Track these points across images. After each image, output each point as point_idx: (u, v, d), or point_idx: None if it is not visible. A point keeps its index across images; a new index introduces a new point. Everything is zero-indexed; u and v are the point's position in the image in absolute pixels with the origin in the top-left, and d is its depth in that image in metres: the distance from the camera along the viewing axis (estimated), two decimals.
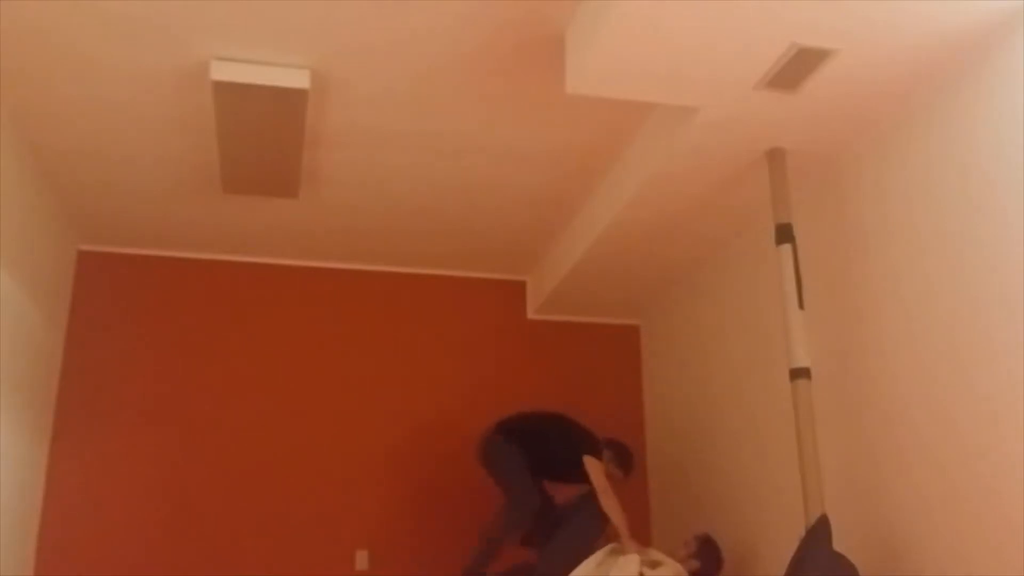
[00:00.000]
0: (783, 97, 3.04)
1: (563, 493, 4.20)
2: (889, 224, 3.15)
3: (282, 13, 2.99)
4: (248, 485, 4.61)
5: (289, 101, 3.31)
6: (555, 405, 5.02)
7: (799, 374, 3.11)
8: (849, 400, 3.30)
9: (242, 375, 4.78)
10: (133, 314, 4.73)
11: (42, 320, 4.23)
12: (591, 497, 3.97)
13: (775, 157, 3.38)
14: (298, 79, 3.24)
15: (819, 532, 2.90)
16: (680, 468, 4.69)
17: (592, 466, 3.97)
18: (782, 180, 3.36)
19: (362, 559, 4.65)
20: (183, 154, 3.87)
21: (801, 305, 3.17)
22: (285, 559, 4.58)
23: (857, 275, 3.30)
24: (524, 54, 3.20)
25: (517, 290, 5.25)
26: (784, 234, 3.27)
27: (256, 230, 4.65)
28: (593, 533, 3.97)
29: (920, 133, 3.03)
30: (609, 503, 3.88)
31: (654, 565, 3.68)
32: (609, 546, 3.79)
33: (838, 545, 2.92)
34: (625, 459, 4.20)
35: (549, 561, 3.91)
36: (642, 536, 4.95)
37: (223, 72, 3.19)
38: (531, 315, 5.21)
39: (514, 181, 4.15)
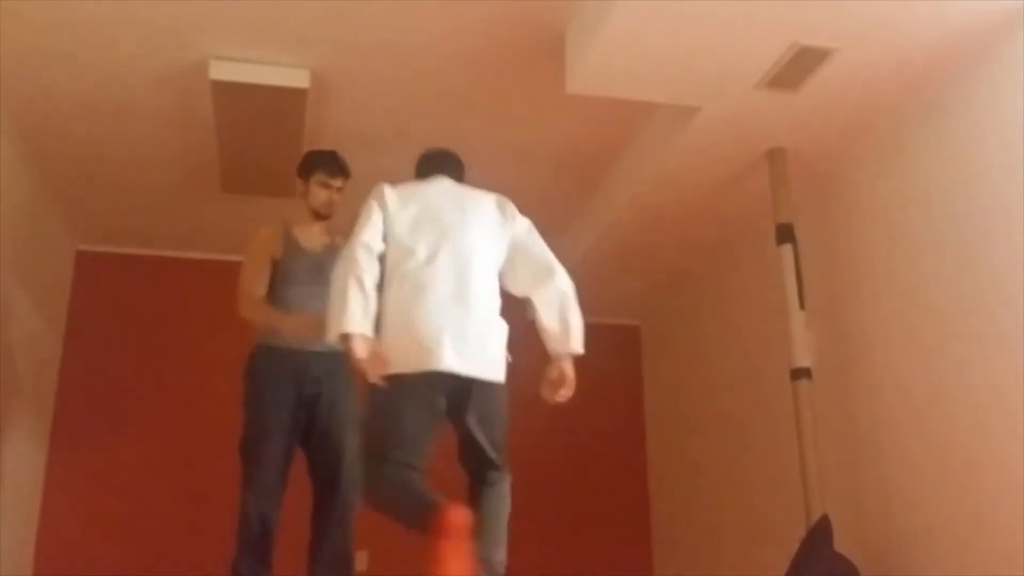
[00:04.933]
0: (784, 97, 3.04)
1: None
2: (890, 223, 3.15)
3: (282, 13, 2.98)
4: None
5: (288, 100, 3.30)
6: (555, 406, 5.01)
7: (800, 374, 3.11)
8: (850, 400, 3.30)
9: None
10: (132, 314, 4.71)
11: (41, 320, 4.22)
12: None
13: (776, 157, 3.38)
14: (297, 79, 3.23)
15: (820, 532, 2.90)
16: (680, 468, 4.69)
17: None
18: (783, 180, 3.35)
19: (361, 559, 4.63)
20: (182, 154, 3.86)
21: (802, 305, 3.17)
22: (285, 559, 4.58)
23: (858, 274, 3.29)
24: (524, 54, 3.19)
25: None
26: (785, 234, 3.27)
27: (256, 229, 4.64)
28: None
29: (920, 132, 3.02)
30: None
31: None
32: None
33: (839, 545, 2.92)
34: None
35: None
36: (641, 535, 4.95)
37: (222, 71, 3.18)
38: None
39: (514, 181, 4.13)
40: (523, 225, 2.91)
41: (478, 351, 2.63)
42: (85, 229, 4.60)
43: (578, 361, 5.24)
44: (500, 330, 2.76)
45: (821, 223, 3.52)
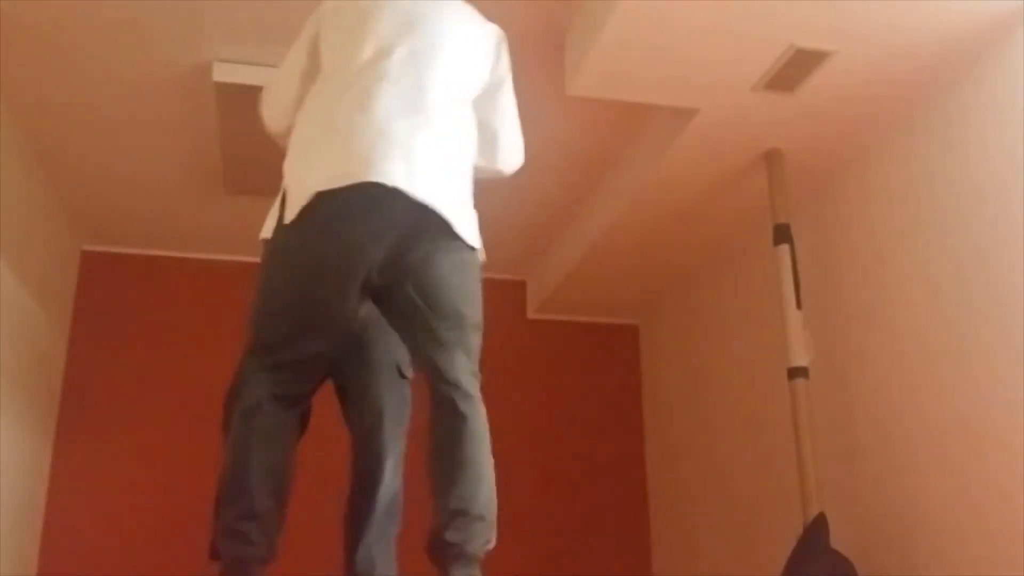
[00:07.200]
0: (781, 98, 3.06)
1: None
2: (887, 224, 3.17)
3: (284, 15, 3.01)
4: None
5: None
6: (555, 405, 5.04)
7: (797, 373, 3.13)
8: (847, 399, 3.32)
9: None
10: (137, 314, 4.75)
11: (45, 320, 4.25)
12: None
13: (773, 158, 3.40)
14: None
15: (817, 530, 2.92)
16: (678, 467, 4.71)
17: None
18: (780, 181, 3.38)
19: None
20: (186, 155, 3.89)
21: (799, 305, 3.20)
22: (287, 558, 4.60)
23: (855, 275, 3.32)
24: (524, 55, 3.22)
25: (517, 290, 5.25)
26: (782, 234, 3.30)
27: (259, 230, 4.65)
28: None
29: (919, 134, 3.05)
30: None
31: None
32: None
33: (835, 542, 2.94)
34: None
35: None
36: (640, 535, 4.97)
37: (225, 74, 3.21)
38: (531, 315, 5.22)
39: (514, 181, 4.13)
40: (506, 73, 2.20)
41: (437, 177, 1.84)
42: (90, 230, 4.63)
43: (578, 361, 5.29)
44: (467, 168, 2.01)
45: (818, 223, 3.54)
